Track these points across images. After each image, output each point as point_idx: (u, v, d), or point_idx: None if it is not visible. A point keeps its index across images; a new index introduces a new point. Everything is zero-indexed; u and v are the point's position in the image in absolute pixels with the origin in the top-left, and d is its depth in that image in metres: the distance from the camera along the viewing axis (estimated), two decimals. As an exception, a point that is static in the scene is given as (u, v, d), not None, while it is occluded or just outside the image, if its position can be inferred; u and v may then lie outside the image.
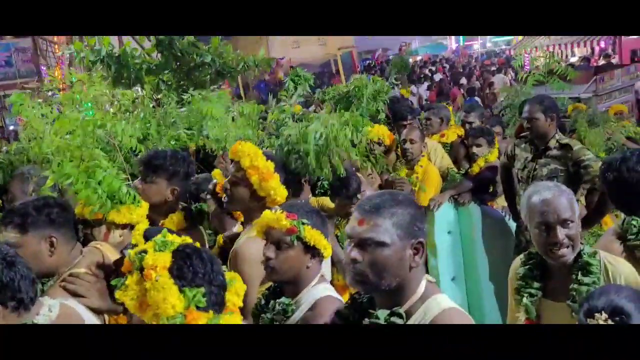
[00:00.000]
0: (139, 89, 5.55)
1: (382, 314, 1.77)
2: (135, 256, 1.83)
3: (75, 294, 2.33)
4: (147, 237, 2.23)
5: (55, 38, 17.58)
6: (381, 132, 4.94)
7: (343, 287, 3.32)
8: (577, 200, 4.12)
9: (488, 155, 5.09)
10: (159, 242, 1.86)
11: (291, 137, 3.33)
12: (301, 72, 5.51)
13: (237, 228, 3.17)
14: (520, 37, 17.47)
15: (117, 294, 1.85)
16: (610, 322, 1.84)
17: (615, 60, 14.58)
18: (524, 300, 2.41)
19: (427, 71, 20.28)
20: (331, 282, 2.55)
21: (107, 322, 2.46)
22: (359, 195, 3.59)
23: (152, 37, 5.52)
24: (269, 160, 2.84)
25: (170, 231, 1.98)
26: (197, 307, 1.80)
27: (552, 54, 7.24)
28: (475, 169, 5.06)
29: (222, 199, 2.99)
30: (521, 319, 2.43)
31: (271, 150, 3.60)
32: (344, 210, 3.62)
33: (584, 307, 1.94)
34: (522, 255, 2.57)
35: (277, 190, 2.81)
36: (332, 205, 3.72)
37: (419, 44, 32.45)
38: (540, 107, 4.28)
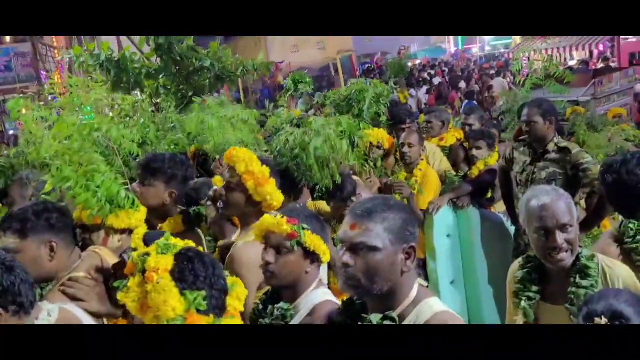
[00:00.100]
0: (138, 93, 5.56)
1: (374, 318, 1.77)
2: (138, 258, 1.86)
3: (74, 298, 2.33)
4: (147, 241, 2.24)
5: (55, 42, 17.60)
6: (380, 135, 4.95)
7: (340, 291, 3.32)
8: (576, 204, 4.15)
9: (488, 159, 5.09)
10: (161, 244, 1.89)
11: (289, 143, 3.34)
12: (301, 75, 5.55)
13: (236, 234, 3.17)
14: (518, 41, 17.50)
15: (119, 295, 1.86)
16: None
17: (614, 63, 14.60)
18: (522, 303, 2.42)
19: (425, 75, 20.30)
20: (328, 286, 2.55)
21: (105, 326, 2.47)
22: (353, 198, 3.62)
23: (151, 41, 5.52)
24: (264, 165, 2.83)
25: None
26: (198, 310, 1.81)
27: (550, 57, 7.26)
28: (475, 171, 5.06)
29: (217, 204, 2.99)
30: (519, 322, 2.43)
31: (269, 155, 3.60)
32: (339, 213, 3.62)
33: (582, 311, 1.95)
34: (520, 259, 2.57)
35: (273, 194, 2.80)
36: (328, 208, 3.73)
37: (418, 48, 32.47)
38: (538, 111, 4.28)
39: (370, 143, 4.90)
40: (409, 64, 13.39)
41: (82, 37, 15.11)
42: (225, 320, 1.89)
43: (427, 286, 4.72)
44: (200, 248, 1.98)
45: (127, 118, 4.05)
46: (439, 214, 4.58)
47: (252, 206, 2.82)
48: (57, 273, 2.40)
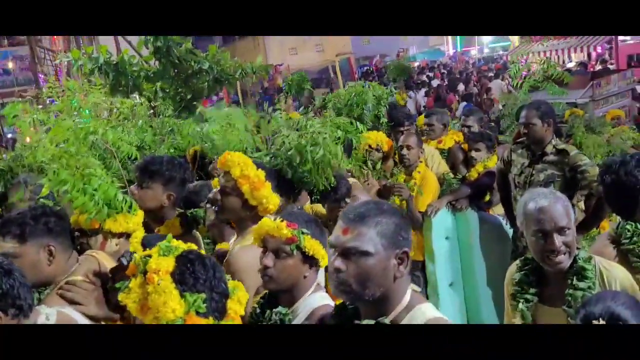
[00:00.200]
0: (137, 97, 5.57)
1: (367, 324, 1.76)
2: (140, 260, 1.87)
3: (72, 302, 2.33)
4: (145, 244, 2.25)
5: (53, 46, 17.61)
6: (379, 138, 4.96)
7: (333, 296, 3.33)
8: (574, 206, 4.16)
9: (487, 161, 5.08)
10: (163, 247, 1.90)
11: (285, 145, 3.35)
12: (300, 76, 5.57)
13: (233, 239, 3.17)
14: (517, 43, 17.53)
15: (121, 296, 1.88)
16: None
17: (612, 65, 14.62)
18: (520, 305, 2.42)
19: (424, 77, 20.33)
20: (325, 289, 2.55)
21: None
22: (347, 199, 3.65)
23: (149, 45, 5.53)
24: (259, 169, 2.81)
25: None
26: (197, 313, 1.83)
27: (548, 60, 7.26)
28: (474, 174, 5.06)
29: (212, 208, 2.98)
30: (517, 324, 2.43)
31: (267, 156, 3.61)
32: (334, 214, 3.65)
33: (580, 314, 1.95)
34: (518, 261, 2.57)
35: (269, 198, 2.78)
36: (325, 211, 3.74)
37: (417, 50, 32.53)
38: (537, 113, 4.28)
39: (370, 146, 4.91)
40: (407, 64, 13.40)
41: (81, 40, 15.13)
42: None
43: (426, 290, 4.73)
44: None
45: (126, 121, 4.06)
46: (437, 217, 4.59)
47: (248, 210, 2.79)
48: (55, 277, 2.40)
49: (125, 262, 2.23)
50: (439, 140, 5.50)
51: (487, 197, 5.09)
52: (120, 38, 12.41)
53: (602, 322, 1.86)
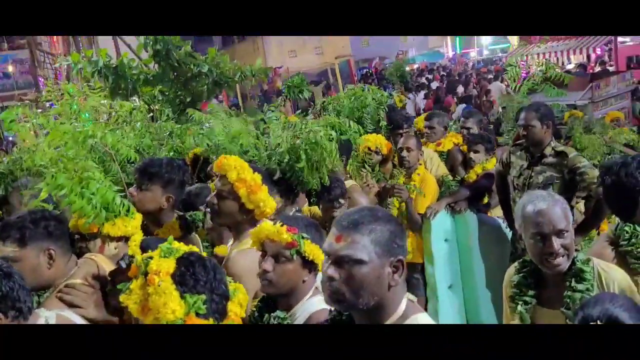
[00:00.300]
0: (137, 100, 5.58)
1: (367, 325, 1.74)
2: (142, 261, 1.89)
3: (71, 305, 2.34)
4: (144, 247, 2.26)
5: (53, 50, 17.63)
6: (378, 141, 4.97)
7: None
8: (572, 208, 4.16)
9: (486, 163, 5.09)
10: (164, 248, 1.92)
11: (280, 147, 3.36)
12: (300, 79, 5.57)
13: (230, 243, 3.17)
14: (516, 44, 17.54)
15: (122, 297, 1.89)
16: None
17: (612, 67, 14.63)
18: (519, 308, 2.42)
19: (424, 79, 20.34)
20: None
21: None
22: (341, 200, 3.67)
23: (149, 48, 5.54)
24: (256, 173, 2.80)
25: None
26: (197, 314, 1.84)
27: (547, 61, 7.26)
28: (472, 175, 5.06)
29: (207, 212, 2.97)
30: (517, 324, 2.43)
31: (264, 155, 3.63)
32: (329, 214, 3.69)
33: (578, 316, 1.95)
34: (516, 263, 2.57)
35: (266, 202, 2.77)
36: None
37: (416, 52, 32.54)
38: (536, 115, 4.28)
39: (369, 148, 4.92)
40: (407, 68, 13.42)
41: (81, 43, 15.14)
42: None
43: (425, 292, 4.74)
44: None
45: (124, 124, 4.06)
46: (436, 219, 4.59)
47: (244, 214, 2.78)
48: (55, 281, 2.41)
49: (123, 265, 2.24)
50: (437, 143, 5.51)
51: (486, 200, 5.10)
52: (119, 41, 12.42)
53: (599, 324, 1.86)
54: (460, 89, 17.02)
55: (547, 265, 2.35)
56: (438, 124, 5.72)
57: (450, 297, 4.74)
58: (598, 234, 4.20)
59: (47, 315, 2.18)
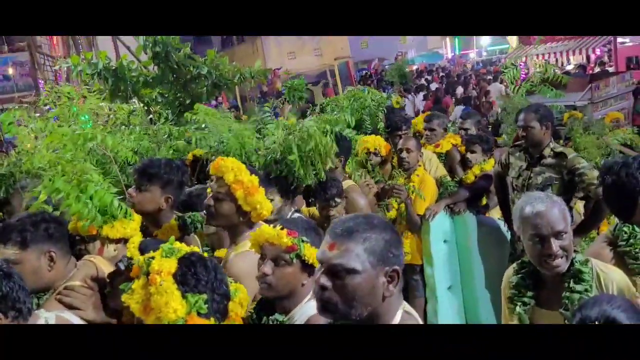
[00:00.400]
0: (136, 102, 5.59)
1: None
2: (144, 261, 1.91)
3: (70, 307, 2.35)
4: (143, 249, 2.26)
5: (53, 52, 17.66)
6: (377, 142, 4.98)
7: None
8: (571, 209, 4.16)
9: (484, 164, 5.09)
10: (166, 248, 1.94)
11: (275, 145, 3.37)
12: (299, 83, 5.58)
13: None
14: (514, 45, 17.54)
15: (124, 297, 1.91)
16: None
17: (611, 68, 14.64)
18: (517, 309, 2.42)
19: (423, 80, 20.34)
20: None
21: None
22: (338, 199, 3.70)
23: (148, 50, 5.55)
24: (253, 175, 2.78)
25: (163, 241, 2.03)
26: (199, 314, 1.87)
27: (546, 62, 7.27)
28: (470, 176, 5.07)
29: (202, 214, 2.97)
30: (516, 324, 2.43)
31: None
32: (325, 213, 3.73)
33: (576, 317, 1.95)
34: (515, 264, 2.57)
35: (263, 204, 2.75)
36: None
37: (415, 53, 32.56)
38: (535, 116, 4.28)
39: (368, 150, 4.93)
40: (407, 69, 13.42)
41: (80, 46, 15.17)
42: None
43: (425, 293, 4.74)
44: None
45: (122, 127, 4.07)
46: (435, 220, 4.60)
47: (241, 216, 2.76)
48: (54, 282, 2.42)
49: (122, 267, 2.25)
50: (436, 144, 5.50)
51: (484, 201, 5.10)
52: (119, 43, 12.44)
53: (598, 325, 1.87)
54: (460, 90, 17.03)
55: (545, 267, 2.36)
56: (438, 125, 5.72)
57: (450, 298, 4.74)
58: (598, 234, 4.20)
59: (47, 316, 2.19)
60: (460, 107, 11.87)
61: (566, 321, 2.25)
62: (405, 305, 1.77)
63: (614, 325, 1.84)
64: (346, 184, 4.14)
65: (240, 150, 3.84)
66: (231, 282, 2.10)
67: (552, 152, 4.26)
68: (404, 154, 4.70)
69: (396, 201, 4.56)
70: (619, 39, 15.13)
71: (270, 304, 2.30)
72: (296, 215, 3.50)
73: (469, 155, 5.15)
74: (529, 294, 2.43)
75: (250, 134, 4.01)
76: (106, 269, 2.48)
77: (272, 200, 3.34)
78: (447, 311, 4.69)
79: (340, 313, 1.65)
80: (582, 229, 4.08)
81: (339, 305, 1.63)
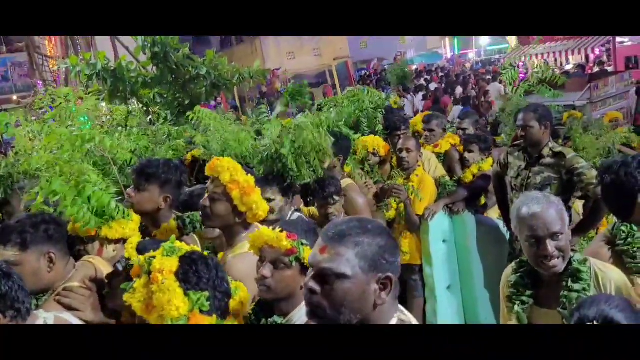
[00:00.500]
0: (135, 102, 5.59)
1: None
2: (145, 260, 1.92)
3: (69, 308, 2.35)
4: (142, 250, 2.26)
5: (51, 52, 17.64)
6: (376, 143, 4.97)
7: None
8: (569, 208, 4.16)
9: (482, 164, 5.10)
10: (167, 247, 1.96)
11: (270, 142, 3.38)
12: (300, 87, 5.60)
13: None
14: (514, 45, 17.54)
15: (126, 296, 1.92)
16: None
17: (610, 67, 14.65)
18: (516, 308, 2.42)
19: (422, 80, 20.34)
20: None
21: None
22: (336, 197, 3.71)
23: (147, 51, 5.55)
24: (249, 175, 2.76)
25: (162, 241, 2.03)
26: (201, 311, 1.88)
27: (545, 63, 7.28)
28: (468, 175, 5.07)
29: (199, 215, 2.97)
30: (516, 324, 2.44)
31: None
32: (323, 211, 3.74)
33: (574, 317, 1.95)
34: (513, 263, 2.57)
35: (259, 204, 2.73)
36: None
37: (414, 53, 32.55)
38: (534, 116, 4.28)
39: (367, 150, 4.93)
40: (406, 69, 13.44)
41: (79, 47, 15.16)
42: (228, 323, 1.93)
43: (424, 293, 4.74)
44: None
45: (120, 128, 4.07)
46: (434, 220, 4.60)
47: (237, 217, 2.73)
48: (54, 283, 2.42)
49: (120, 268, 2.25)
50: (435, 145, 5.51)
51: (483, 201, 5.10)
52: (118, 44, 12.44)
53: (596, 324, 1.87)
54: (459, 90, 17.03)
55: (542, 267, 2.36)
56: (437, 126, 5.72)
57: (449, 297, 4.74)
58: (597, 233, 4.20)
59: (46, 317, 2.20)
60: (459, 107, 11.88)
61: (564, 320, 2.25)
62: (401, 313, 1.71)
63: (611, 325, 1.84)
64: (345, 183, 4.14)
65: (241, 150, 3.85)
66: (231, 281, 2.11)
67: (551, 152, 4.26)
68: (404, 154, 4.69)
69: (395, 201, 4.56)
70: (618, 39, 15.14)
71: (269, 306, 2.29)
72: (296, 214, 3.50)
73: (466, 154, 5.15)
74: (528, 292, 2.44)
75: (248, 136, 4.02)
76: (105, 269, 2.48)
77: (274, 200, 3.35)
78: (446, 311, 4.69)
79: (329, 318, 1.60)
80: (581, 229, 4.08)
81: (327, 311, 1.59)
